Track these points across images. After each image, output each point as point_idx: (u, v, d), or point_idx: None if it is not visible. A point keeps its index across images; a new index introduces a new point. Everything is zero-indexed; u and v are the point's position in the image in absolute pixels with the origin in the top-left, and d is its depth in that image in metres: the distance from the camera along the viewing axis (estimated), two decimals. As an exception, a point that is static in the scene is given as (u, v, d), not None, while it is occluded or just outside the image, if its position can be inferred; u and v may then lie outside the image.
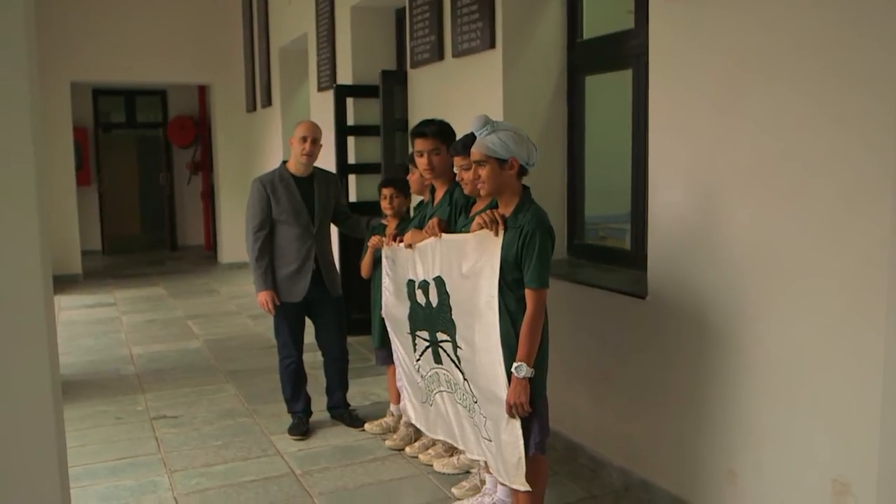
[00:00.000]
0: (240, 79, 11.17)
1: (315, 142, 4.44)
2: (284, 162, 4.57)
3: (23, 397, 1.89)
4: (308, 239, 4.45)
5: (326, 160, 5.60)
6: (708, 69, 3.20)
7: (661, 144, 3.50)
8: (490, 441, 3.12)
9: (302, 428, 4.60)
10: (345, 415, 4.76)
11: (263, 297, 4.44)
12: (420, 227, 3.67)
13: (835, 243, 2.72)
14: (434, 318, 3.35)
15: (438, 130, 3.68)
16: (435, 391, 3.51)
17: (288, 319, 4.54)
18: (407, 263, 3.57)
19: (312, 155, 4.45)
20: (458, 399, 3.34)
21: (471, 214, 3.34)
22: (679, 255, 3.41)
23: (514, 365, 2.92)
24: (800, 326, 2.87)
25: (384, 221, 4.40)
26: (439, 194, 3.75)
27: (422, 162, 3.72)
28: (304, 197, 4.47)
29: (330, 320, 4.65)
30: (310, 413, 4.71)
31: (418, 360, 3.58)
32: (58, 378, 2.04)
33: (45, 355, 1.90)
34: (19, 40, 1.81)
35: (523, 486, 2.98)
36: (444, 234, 3.32)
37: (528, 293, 2.95)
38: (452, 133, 3.73)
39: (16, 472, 1.90)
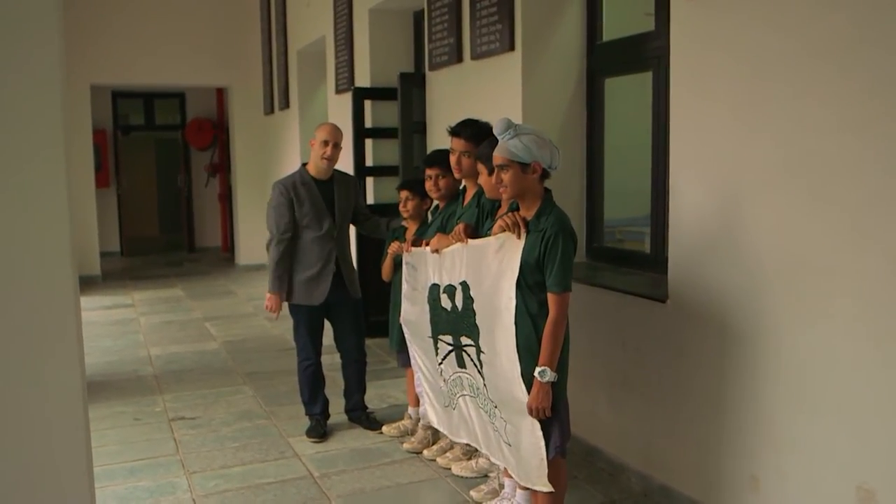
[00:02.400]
0: (258, 81, 11.21)
1: (336, 146, 4.43)
2: (304, 164, 4.57)
3: (53, 397, 1.91)
4: (329, 242, 4.45)
5: (344, 162, 5.59)
6: (729, 71, 3.18)
7: (682, 146, 3.48)
8: (510, 446, 3.11)
9: (320, 430, 4.59)
10: (362, 417, 4.75)
11: (273, 299, 4.47)
12: (443, 229, 3.67)
13: (859, 245, 2.69)
14: (458, 322, 3.34)
15: (473, 133, 3.66)
16: (458, 395, 3.50)
17: (307, 322, 4.54)
18: (431, 268, 3.56)
19: (333, 159, 4.45)
20: (479, 404, 3.33)
21: (496, 217, 3.34)
22: (700, 258, 3.39)
23: (538, 369, 2.91)
24: (823, 330, 2.83)
25: (404, 223, 4.39)
26: (469, 195, 3.76)
27: (452, 159, 3.75)
28: (325, 200, 4.46)
29: (348, 323, 4.64)
30: (328, 415, 4.71)
31: (440, 363, 3.56)
32: (84, 379, 2.05)
33: (76, 357, 1.91)
34: (52, 46, 1.82)
35: (546, 487, 2.98)
36: (469, 240, 3.31)
37: (550, 297, 2.95)
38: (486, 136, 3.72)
39: (46, 471, 1.92)
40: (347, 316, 4.62)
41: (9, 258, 1.84)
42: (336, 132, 4.46)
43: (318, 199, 4.44)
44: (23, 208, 1.85)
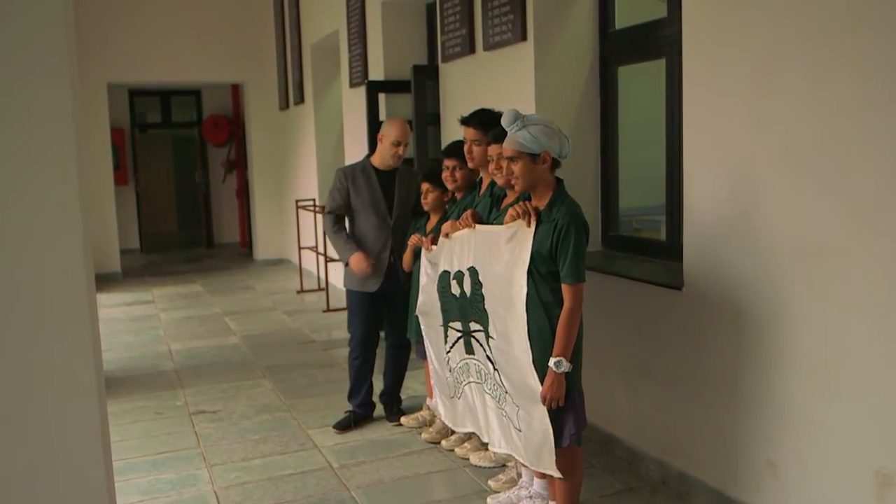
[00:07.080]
0: (272, 77, 11.24)
1: (406, 145, 4.54)
2: (368, 155, 4.64)
3: (69, 394, 1.92)
4: (384, 230, 4.50)
5: (359, 155, 5.61)
6: (743, 56, 3.16)
7: (696, 133, 3.46)
8: (520, 431, 3.12)
9: (343, 423, 4.62)
10: (387, 404, 4.77)
11: (356, 259, 4.40)
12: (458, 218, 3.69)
13: (875, 230, 2.67)
14: (467, 308, 3.36)
15: (482, 122, 3.68)
16: (464, 382, 3.52)
17: (360, 309, 4.59)
18: (444, 256, 3.58)
19: (402, 157, 4.54)
20: (486, 389, 3.34)
21: (502, 207, 3.36)
22: (716, 245, 3.38)
23: (553, 360, 2.92)
24: (840, 315, 2.82)
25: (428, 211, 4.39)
26: (484, 185, 3.78)
27: (465, 149, 3.79)
28: (383, 189, 4.53)
29: (398, 310, 4.64)
30: (363, 414, 4.70)
31: (448, 351, 3.58)
32: (101, 375, 2.06)
33: (90, 352, 1.92)
34: (61, 45, 1.84)
35: (556, 473, 3.00)
36: (477, 226, 3.33)
37: (565, 288, 2.96)
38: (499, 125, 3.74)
39: (63, 466, 1.93)
40: (399, 305, 4.61)
41: (23, 251, 1.85)
42: (407, 133, 4.55)
43: (376, 189, 4.52)
44: (36, 200, 1.85)
